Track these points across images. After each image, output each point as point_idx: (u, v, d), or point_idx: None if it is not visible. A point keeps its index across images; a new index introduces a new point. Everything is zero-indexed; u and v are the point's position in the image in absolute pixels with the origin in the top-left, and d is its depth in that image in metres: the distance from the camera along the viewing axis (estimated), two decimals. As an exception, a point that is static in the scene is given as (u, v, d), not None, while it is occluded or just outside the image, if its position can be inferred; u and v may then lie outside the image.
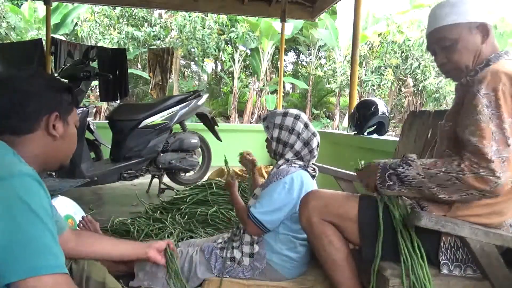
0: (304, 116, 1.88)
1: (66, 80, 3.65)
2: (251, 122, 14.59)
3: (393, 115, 14.18)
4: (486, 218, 1.35)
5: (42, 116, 1.03)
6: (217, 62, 17.19)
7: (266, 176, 4.41)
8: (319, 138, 1.87)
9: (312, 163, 1.90)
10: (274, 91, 14.77)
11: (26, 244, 0.81)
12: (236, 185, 1.96)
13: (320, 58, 16.40)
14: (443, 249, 1.38)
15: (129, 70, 9.46)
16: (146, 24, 13.23)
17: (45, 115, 1.04)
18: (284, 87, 17.01)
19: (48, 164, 1.10)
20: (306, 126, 1.84)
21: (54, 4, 10.22)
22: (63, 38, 10.00)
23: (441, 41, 1.41)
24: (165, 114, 3.98)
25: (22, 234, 0.82)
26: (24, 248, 0.81)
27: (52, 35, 6.36)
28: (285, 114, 1.84)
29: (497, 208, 1.35)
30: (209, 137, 4.65)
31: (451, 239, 1.38)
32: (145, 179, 4.29)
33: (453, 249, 1.38)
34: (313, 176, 1.88)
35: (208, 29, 12.79)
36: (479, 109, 1.26)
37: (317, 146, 1.86)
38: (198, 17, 12.51)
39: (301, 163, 1.83)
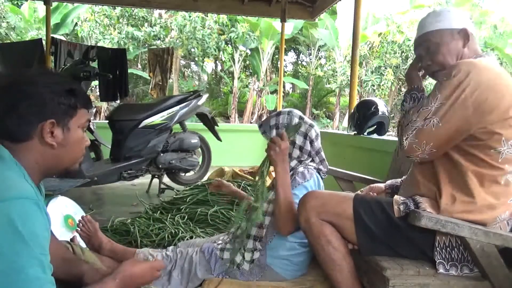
0: (297, 111, 1.88)
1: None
2: (251, 122, 14.60)
3: (393, 115, 14.19)
4: (478, 213, 1.36)
5: (36, 122, 0.96)
6: (217, 62, 17.21)
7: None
8: (318, 129, 1.86)
9: (324, 167, 1.88)
10: (274, 91, 14.77)
11: (10, 275, 0.79)
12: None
13: (320, 58, 16.41)
14: (438, 248, 1.39)
15: (129, 70, 9.46)
16: (146, 24, 13.23)
17: (40, 122, 0.97)
18: (284, 87, 17.02)
19: (52, 171, 1.04)
20: (301, 119, 1.84)
21: (54, 4, 10.22)
22: (63, 38, 9.99)
23: (426, 44, 1.54)
24: (165, 114, 3.98)
25: (6, 264, 0.80)
26: (7, 278, 0.79)
27: (52, 35, 6.35)
28: (278, 114, 1.85)
29: (486, 202, 1.35)
30: (209, 137, 4.65)
31: (445, 239, 1.39)
32: (145, 179, 4.29)
33: (448, 249, 1.39)
34: (321, 178, 1.88)
35: (208, 29, 12.79)
36: (433, 93, 1.40)
37: (317, 137, 1.84)
38: (198, 17, 12.51)
39: (314, 164, 1.82)
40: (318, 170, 1.83)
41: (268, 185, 1.90)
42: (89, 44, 10.29)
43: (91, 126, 4.05)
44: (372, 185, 1.90)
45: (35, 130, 0.97)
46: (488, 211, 1.36)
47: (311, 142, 1.82)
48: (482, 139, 1.34)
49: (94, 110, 11.16)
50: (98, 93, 8.16)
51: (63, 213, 2.18)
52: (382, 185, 1.88)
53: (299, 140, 1.80)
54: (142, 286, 1.18)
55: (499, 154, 1.34)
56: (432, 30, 1.52)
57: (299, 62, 18.81)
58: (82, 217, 1.95)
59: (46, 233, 0.90)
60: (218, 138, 4.65)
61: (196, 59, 14.42)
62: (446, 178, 1.40)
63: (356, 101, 4.17)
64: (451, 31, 1.49)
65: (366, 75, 12.73)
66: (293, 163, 1.81)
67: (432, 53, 1.52)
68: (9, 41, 10.95)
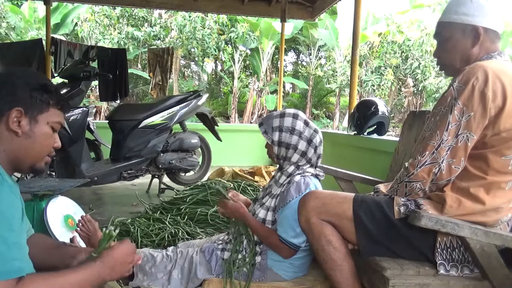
0: (303, 114, 1.80)
1: (66, 80, 3.66)
2: (251, 122, 14.58)
3: (393, 115, 14.19)
4: (481, 216, 1.35)
5: (4, 110, 1.02)
6: (217, 62, 17.20)
7: (266, 176, 4.40)
8: (321, 134, 1.79)
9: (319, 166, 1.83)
10: (274, 91, 14.76)
11: None
12: (243, 206, 1.81)
13: (320, 58, 16.39)
14: (438, 249, 1.38)
15: (129, 70, 9.44)
16: (146, 24, 13.23)
17: (8, 109, 1.02)
18: (284, 87, 17.01)
19: (18, 163, 1.07)
20: (306, 123, 1.76)
21: (54, 4, 10.22)
22: (63, 38, 9.98)
23: (438, 35, 1.49)
24: (165, 114, 3.98)
25: None
26: None
27: (52, 35, 6.35)
28: (282, 115, 1.76)
29: (491, 207, 1.35)
30: (209, 137, 4.65)
31: (446, 239, 1.38)
32: (145, 179, 4.29)
33: (449, 250, 1.38)
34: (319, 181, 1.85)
35: (208, 29, 12.79)
36: (447, 101, 1.34)
37: (321, 143, 1.77)
38: (198, 17, 12.51)
39: (312, 170, 1.76)
40: (316, 176, 1.78)
41: (268, 189, 1.88)
42: (89, 44, 10.27)
43: (91, 126, 4.05)
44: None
45: (2, 117, 1.02)
46: (493, 214, 1.36)
47: (315, 148, 1.75)
48: (494, 145, 1.32)
49: (94, 110, 11.15)
50: (98, 93, 8.15)
51: (63, 213, 2.18)
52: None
53: (302, 145, 1.73)
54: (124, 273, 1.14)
55: (510, 161, 1.32)
56: (445, 21, 1.45)
57: (299, 62, 18.81)
58: (82, 217, 1.95)
59: (14, 211, 0.91)
60: (218, 138, 4.65)
61: (196, 59, 14.42)
62: (452, 182, 1.38)
63: (356, 101, 4.17)
64: (464, 27, 1.40)
65: (366, 75, 12.72)
66: (291, 168, 1.75)
67: (440, 46, 1.48)
68: (9, 41, 10.94)
